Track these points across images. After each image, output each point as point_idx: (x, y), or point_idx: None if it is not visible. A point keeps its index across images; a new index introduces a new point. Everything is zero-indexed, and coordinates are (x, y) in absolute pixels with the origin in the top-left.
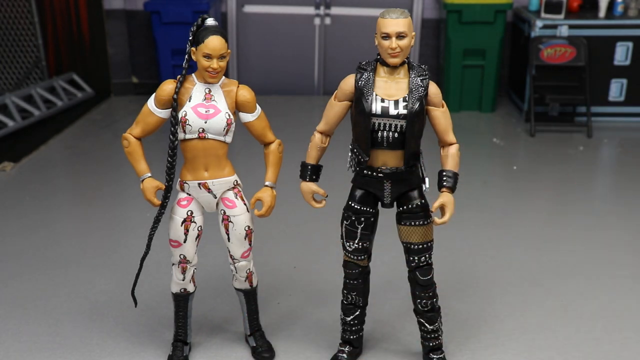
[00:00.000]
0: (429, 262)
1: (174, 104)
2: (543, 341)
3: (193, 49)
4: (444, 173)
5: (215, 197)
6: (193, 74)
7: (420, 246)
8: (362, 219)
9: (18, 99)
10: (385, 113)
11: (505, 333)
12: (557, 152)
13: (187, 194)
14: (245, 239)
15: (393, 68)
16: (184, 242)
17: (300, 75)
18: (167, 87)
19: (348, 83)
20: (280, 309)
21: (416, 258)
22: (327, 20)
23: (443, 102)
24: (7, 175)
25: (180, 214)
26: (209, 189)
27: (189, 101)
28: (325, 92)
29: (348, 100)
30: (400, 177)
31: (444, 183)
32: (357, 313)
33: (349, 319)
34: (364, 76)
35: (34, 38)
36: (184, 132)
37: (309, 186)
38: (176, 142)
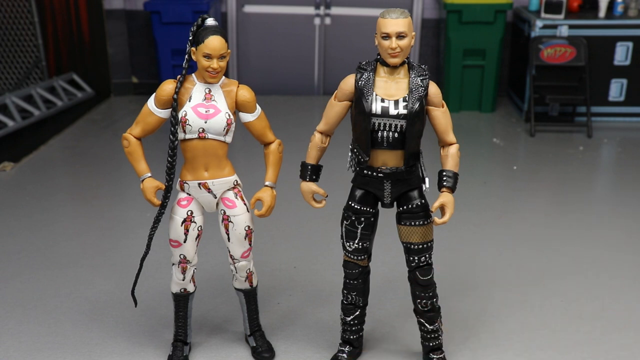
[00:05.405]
0: (429, 262)
1: (174, 104)
2: (543, 341)
3: (193, 49)
4: (444, 173)
5: (215, 197)
6: (193, 74)
7: (420, 246)
8: (362, 219)
9: (18, 99)
10: (385, 113)
11: (505, 333)
12: (557, 152)
13: (187, 194)
14: (245, 239)
15: (393, 68)
16: (184, 242)
17: (300, 75)
18: (167, 87)
19: (348, 83)
20: (280, 309)
21: (416, 258)
22: (327, 20)
23: (443, 102)
24: (7, 175)
25: (180, 214)
26: (209, 189)
27: (189, 101)
28: (325, 92)
29: (348, 100)
30: (400, 177)
31: (444, 183)
32: (357, 313)
33: (349, 319)
34: (364, 76)
35: (34, 38)
36: (184, 132)
37: (309, 186)
38: (176, 142)
